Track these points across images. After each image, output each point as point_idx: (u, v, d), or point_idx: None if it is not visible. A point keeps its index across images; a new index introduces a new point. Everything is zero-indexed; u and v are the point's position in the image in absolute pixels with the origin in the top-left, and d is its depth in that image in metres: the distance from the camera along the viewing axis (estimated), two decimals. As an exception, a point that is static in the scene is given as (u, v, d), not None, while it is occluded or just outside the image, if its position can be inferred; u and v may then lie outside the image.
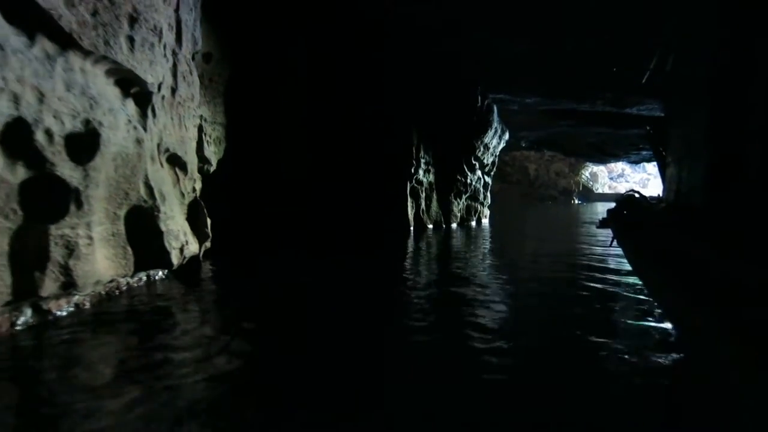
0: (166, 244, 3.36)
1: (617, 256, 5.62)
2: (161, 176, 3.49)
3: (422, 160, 9.75)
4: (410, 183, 9.47)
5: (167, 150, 3.75)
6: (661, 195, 4.52)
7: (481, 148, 11.47)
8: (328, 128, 8.04)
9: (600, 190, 42.88)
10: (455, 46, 7.85)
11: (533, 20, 6.39)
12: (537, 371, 2.20)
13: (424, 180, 10.06)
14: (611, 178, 51.11)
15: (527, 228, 12.56)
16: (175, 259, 3.47)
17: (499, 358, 2.33)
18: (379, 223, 8.85)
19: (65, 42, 2.44)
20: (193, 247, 3.82)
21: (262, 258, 5.37)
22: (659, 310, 3.18)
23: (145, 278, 3.63)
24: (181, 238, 3.56)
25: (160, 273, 3.82)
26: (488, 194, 12.94)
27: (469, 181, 11.39)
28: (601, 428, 1.73)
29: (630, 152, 19.29)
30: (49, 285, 2.44)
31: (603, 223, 4.14)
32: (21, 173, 2.21)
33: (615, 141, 16.82)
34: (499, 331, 2.79)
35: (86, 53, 2.57)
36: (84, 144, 2.53)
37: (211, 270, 4.37)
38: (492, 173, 13.32)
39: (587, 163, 34.84)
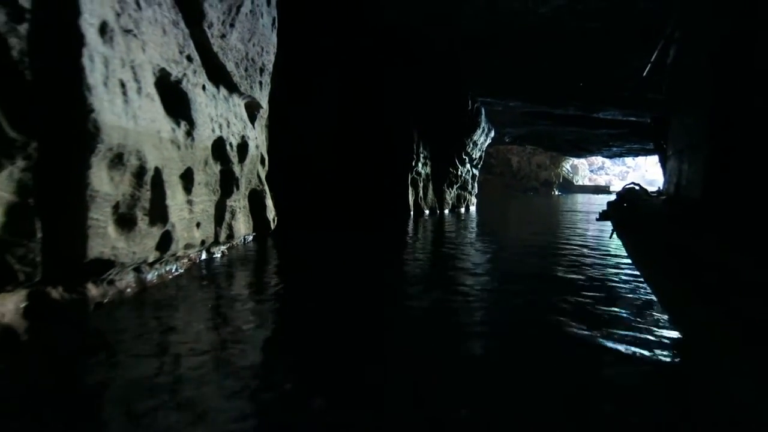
0: (268, 215, 5.02)
1: (586, 229, 7.44)
2: (261, 169, 5.12)
3: (421, 155, 11.44)
4: (411, 174, 11.14)
5: (258, 149, 5.36)
6: (661, 188, 4.47)
7: (471, 145, 13.24)
8: (348, 129, 9.67)
9: (580, 182, 44.63)
10: (451, 62, 9.53)
11: (517, 47, 8.11)
12: (506, 303, 3.92)
13: (422, 172, 11.76)
14: (591, 171, 52.98)
15: (510, 214, 14.41)
16: (272, 225, 5.13)
17: (475, 282, 4.09)
18: (385, 208, 10.54)
19: (232, 88, 4.05)
20: (276, 219, 5.47)
21: (303, 230, 7.02)
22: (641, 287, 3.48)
23: (242, 239, 5.27)
24: (273, 212, 5.22)
25: (249, 236, 5.46)
26: (476, 185, 14.75)
27: (460, 173, 13.15)
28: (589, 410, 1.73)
29: (602, 148, 21.44)
30: (222, 235, 4.08)
31: (603, 216, 4.12)
32: (218, 168, 3.84)
33: (588, 139, 18.81)
34: (476, 270, 4.56)
35: (241, 94, 4.18)
36: (242, 150, 4.16)
37: (274, 236, 6.01)
38: (479, 166, 15.11)
39: (567, 156, 36.55)
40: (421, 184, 11.80)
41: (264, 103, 4.70)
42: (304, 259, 4.80)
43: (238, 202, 4.26)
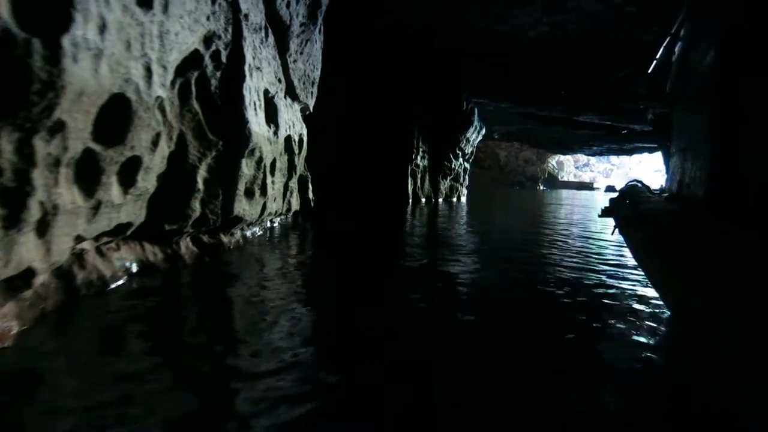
0: (309, 195, 6.37)
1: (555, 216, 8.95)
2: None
3: (420, 149, 12.82)
4: (411, 166, 12.52)
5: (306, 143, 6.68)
6: (663, 185, 4.42)
7: (464, 141, 14.67)
8: (359, 125, 10.98)
9: (565, 178, 46.15)
10: (450, 68, 10.90)
11: (509, 60, 9.51)
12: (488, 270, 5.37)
13: (421, 164, 13.14)
14: (577, 167, 54.47)
15: (496, 204, 15.92)
16: (311, 204, 6.49)
17: (462, 248, 5.53)
18: (388, 195, 11.90)
19: (294, 98, 5.36)
20: (314, 199, 6.82)
21: (327, 208, 8.40)
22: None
23: (293, 213, 6.61)
24: (311, 193, 6.57)
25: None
26: (467, 177, 16.21)
27: (453, 166, 14.58)
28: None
29: (583, 147, 23.17)
30: (284, 208, 5.42)
31: (605, 212, 4.08)
32: (286, 158, 5.17)
33: (571, 138, 20.41)
34: (462, 243, 6.00)
35: (299, 101, 5.51)
36: (300, 144, 5.50)
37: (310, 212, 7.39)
38: (471, 160, 16.57)
39: (553, 153, 37.89)
40: (419, 175, 13.20)
41: (311, 108, 6.03)
42: (334, 228, 6.26)
43: (295, 184, 5.61)
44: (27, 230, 1.71)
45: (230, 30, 3.28)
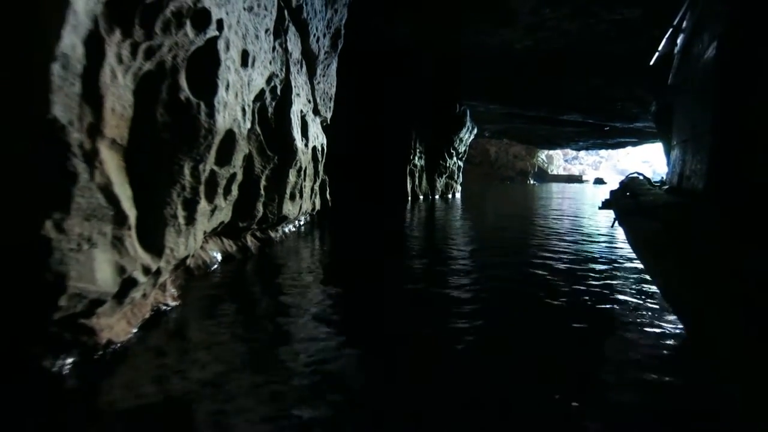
0: (327, 197, 7.26)
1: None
2: (321, 164, 7.34)
3: (418, 150, 13.74)
4: (409, 166, 13.42)
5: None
6: (664, 178, 4.62)
7: (458, 141, 15.62)
8: (361, 130, 11.87)
9: (555, 172, 47.13)
10: (444, 74, 11.82)
11: (498, 68, 10.45)
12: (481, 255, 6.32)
13: (418, 164, 14.05)
14: (566, 161, 55.40)
15: (488, 199, 16.89)
16: (329, 204, 7.38)
17: (457, 233, 6.47)
18: (388, 194, 12.81)
19: (317, 113, 6.25)
20: (331, 200, 7.70)
21: (336, 212, 9.30)
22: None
23: (315, 212, 7.50)
24: (328, 195, 7.46)
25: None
26: (461, 175, 17.17)
27: (448, 165, 15.53)
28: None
29: (570, 142, 24.30)
30: (310, 208, 6.31)
31: (605, 205, 4.12)
32: (313, 164, 6.05)
33: (557, 134, 21.48)
34: (458, 230, 6.95)
35: (321, 116, 6.39)
36: (322, 153, 6.38)
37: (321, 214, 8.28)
38: (464, 159, 17.54)
39: (541, 148, 38.82)
40: (416, 174, 14.12)
41: (329, 120, 6.92)
42: (348, 221, 7.19)
43: (318, 186, 6.50)
44: (194, 226, 2.59)
45: (284, 69, 4.17)
